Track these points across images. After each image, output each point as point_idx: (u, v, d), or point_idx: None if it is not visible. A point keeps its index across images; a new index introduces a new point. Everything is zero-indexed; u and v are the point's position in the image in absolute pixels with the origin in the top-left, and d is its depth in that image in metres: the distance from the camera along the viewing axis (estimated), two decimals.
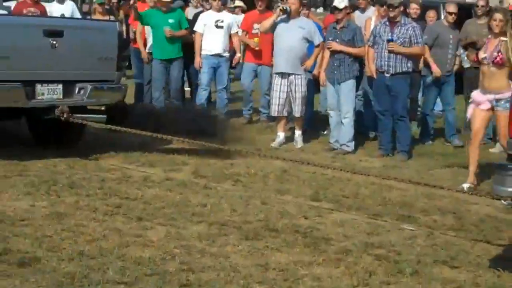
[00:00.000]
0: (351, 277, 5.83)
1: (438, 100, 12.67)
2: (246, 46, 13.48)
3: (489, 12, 13.40)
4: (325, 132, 12.19)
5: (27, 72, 9.22)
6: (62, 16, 14.07)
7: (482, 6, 12.85)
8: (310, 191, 8.56)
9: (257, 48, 12.75)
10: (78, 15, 15.01)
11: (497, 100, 8.84)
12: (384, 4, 11.59)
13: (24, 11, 13.88)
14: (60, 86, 9.51)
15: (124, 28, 15.86)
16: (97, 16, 14.47)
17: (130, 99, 12.87)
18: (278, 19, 11.41)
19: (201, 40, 12.86)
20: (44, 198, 7.62)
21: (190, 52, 13.08)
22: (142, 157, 9.83)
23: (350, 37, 11.18)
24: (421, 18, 12.62)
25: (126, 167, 9.36)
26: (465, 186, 8.69)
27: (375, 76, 10.94)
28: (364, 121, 12.21)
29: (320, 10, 22.87)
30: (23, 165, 8.98)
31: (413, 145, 11.30)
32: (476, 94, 9.25)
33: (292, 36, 11.33)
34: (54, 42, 9.36)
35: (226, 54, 12.96)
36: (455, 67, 12.31)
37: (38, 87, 9.32)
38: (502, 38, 9.04)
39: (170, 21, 12.81)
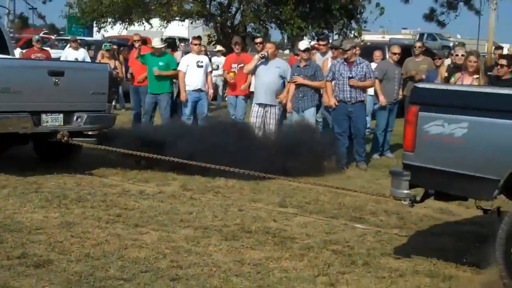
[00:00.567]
0: (312, 268, 5.85)
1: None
2: (228, 83, 13.47)
3: (425, 51, 13.67)
4: None
5: (34, 104, 9.30)
6: (76, 60, 14.18)
7: (419, 47, 13.18)
8: (278, 199, 8.55)
9: (232, 81, 12.79)
10: (88, 59, 15.13)
11: None
12: (338, 48, 12.05)
13: (32, 56, 13.96)
14: (61, 115, 9.58)
15: (123, 69, 15.93)
16: (104, 60, 14.50)
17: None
18: (259, 62, 11.59)
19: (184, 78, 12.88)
20: (55, 210, 7.56)
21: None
22: (138, 174, 9.78)
23: (312, 73, 11.41)
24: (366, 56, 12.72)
25: (125, 183, 9.31)
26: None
27: (333, 105, 11.03)
28: None
29: (287, 51, 23.02)
30: (38, 183, 8.91)
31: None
32: None
33: (270, 74, 11.60)
34: (57, 80, 9.45)
35: (205, 89, 12.98)
36: (400, 97, 12.41)
37: (43, 116, 9.39)
38: (475, 76, 9.22)
39: (160, 63, 12.91)
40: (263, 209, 8.06)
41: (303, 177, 9.20)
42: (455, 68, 10.31)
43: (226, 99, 13.51)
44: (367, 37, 22.30)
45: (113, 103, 13.61)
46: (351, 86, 10.86)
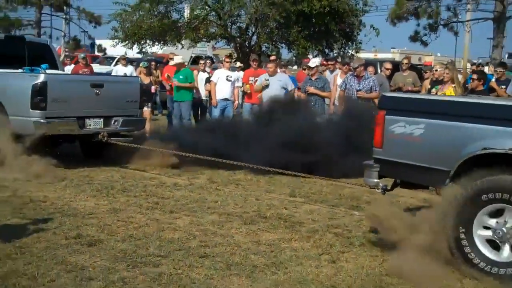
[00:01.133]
0: (317, 248, 5.85)
1: None
2: (245, 93, 13.50)
3: (410, 67, 13.60)
4: None
5: (79, 111, 9.46)
6: (124, 75, 14.30)
7: (406, 63, 13.08)
8: (289, 190, 8.51)
9: (248, 91, 12.84)
10: (134, 74, 15.22)
11: None
12: (348, 64, 12.68)
13: (80, 71, 14.08)
14: (102, 119, 9.73)
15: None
16: (141, 75, 14.48)
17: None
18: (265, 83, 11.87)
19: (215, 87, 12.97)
20: (104, 199, 7.59)
21: None
22: (173, 169, 9.77)
23: (322, 85, 11.70)
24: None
25: (161, 176, 9.31)
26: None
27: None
28: None
29: (295, 67, 22.96)
30: (90, 177, 8.94)
31: None
32: None
33: (274, 87, 11.73)
34: (98, 91, 9.64)
35: (232, 99, 13.02)
36: None
37: (87, 120, 9.55)
38: (453, 85, 9.21)
39: (180, 76, 12.97)
40: (276, 198, 8.05)
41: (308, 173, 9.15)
42: (436, 82, 10.25)
43: (243, 106, 13.48)
44: (361, 55, 22.15)
45: (147, 108, 13.69)
46: (358, 97, 10.87)
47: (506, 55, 19.54)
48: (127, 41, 21.09)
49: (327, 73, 13.35)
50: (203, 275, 5.02)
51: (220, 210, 7.27)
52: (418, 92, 11.84)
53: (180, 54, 15.83)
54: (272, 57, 14.20)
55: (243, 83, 13.17)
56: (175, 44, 21.81)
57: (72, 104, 9.30)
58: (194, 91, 13.41)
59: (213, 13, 20.29)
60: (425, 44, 24.25)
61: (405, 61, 13.28)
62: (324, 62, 14.29)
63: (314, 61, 12.48)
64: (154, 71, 16.48)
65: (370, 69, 13.57)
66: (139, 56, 25.46)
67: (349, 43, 21.39)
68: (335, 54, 20.90)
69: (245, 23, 20.55)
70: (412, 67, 14.77)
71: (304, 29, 20.01)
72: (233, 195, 8.15)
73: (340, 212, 7.44)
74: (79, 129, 9.44)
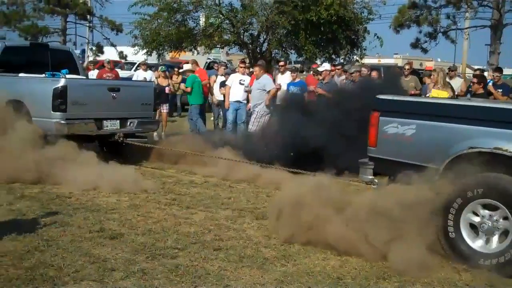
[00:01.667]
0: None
1: None
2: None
3: (412, 71, 13.55)
4: None
5: (97, 113, 9.57)
6: (144, 80, 14.32)
7: (408, 68, 13.01)
8: None
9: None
10: (154, 79, 15.07)
11: None
12: (347, 71, 13.05)
13: (104, 75, 14.14)
14: (118, 121, 9.84)
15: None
16: (160, 79, 14.51)
17: None
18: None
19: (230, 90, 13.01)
20: (125, 195, 7.62)
21: None
22: (189, 168, 9.79)
23: (329, 88, 11.87)
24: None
25: (178, 174, 9.35)
26: None
27: None
28: None
29: (304, 73, 22.91)
30: None
31: None
32: None
33: (255, 87, 12.11)
34: (114, 95, 9.76)
35: (245, 101, 13.03)
36: None
37: (104, 122, 9.66)
38: (437, 86, 9.21)
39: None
40: None
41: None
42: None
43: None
44: (366, 61, 22.09)
45: (164, 110, 13.83)
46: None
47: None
48: (146, 48, 21.15)
49: (335, 77, 13.39)
50: (217, 267, 5.04)
51: (233, 206, 7.30)
52: (420, 95, 11.79)
53: (197, 59, 15.92)
54: (281, 63, 14.22)
55: (249, 87, 13.19)
56: (191, 50, 21.84)
57: (91, 106, 9.41)
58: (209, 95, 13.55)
59: (227, 21, 20.29)
60: (425, 51, 24.13)
61: (407, 66, 13.23)
62: (332, 68, 14.35)
63: (324, 66, 12.63)
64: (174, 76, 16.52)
65: (374, 73, 13.55)
66: (157, 62, 25.47)
67: (354, 49, 21.33)
68: (341, 60, 20.86)
69: (257, 30, 20.55)
70: (413, 71, 14.71)
71: (312, 36, 19.99)
72: (245, 192, 8.17)
73: None
74: (97, 130, 9.52)
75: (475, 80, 9.46)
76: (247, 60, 20.13)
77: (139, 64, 18.49)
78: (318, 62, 19.98)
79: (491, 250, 5.10)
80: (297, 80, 12.86)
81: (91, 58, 27.85)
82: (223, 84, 13.52)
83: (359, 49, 21.33)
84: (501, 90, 10.55)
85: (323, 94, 11.67)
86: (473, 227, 5.23)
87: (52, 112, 9.06)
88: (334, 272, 5.04)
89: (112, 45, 33.40)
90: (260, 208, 7.17)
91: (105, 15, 32.46)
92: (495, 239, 5.12)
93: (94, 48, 33.68)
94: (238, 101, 12.90)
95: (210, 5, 19.91)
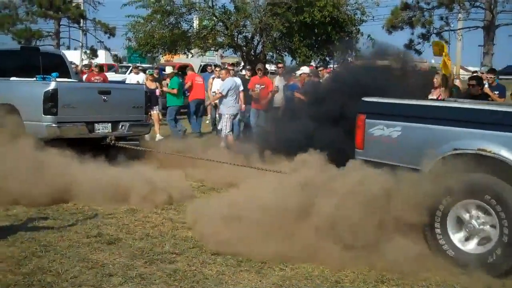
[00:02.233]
0: None
1: None
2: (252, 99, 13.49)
3: None
4: None
5: (88, 116, 9.53)
6: (138, 83, 14.33)
7: None
8: None
9: (256, 97, 12.87)
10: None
11: None
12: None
13: (92, 78, 14.17)
14: (110, 124, 9.81)
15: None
16: (148, 82, 14.54)
17: None
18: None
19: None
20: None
21: None
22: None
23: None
24: None
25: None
26: None
27: None
28: None
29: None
30: None
31: None
32: None
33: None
34: (105, 98, 9.75)
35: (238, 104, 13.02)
36: None
37: (96, 125, 9.63)
38: (441, 89, 9.30)
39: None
40: None
41: None
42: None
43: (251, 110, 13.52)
44: None
45: (155, 111, 14.01)
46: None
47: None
48: (140, 50, 21.16)
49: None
50: (215, 271, 5.04)
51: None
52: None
53: (190, 62, 15.92)
54: (280, 64, 14.42)
55: (249, 89, 13.20)
56: (185, 53, 21.86)
57: (82, 109, 9.42)
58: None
59: (221, 23, 20.32)
60: (419, 52, 24.27)
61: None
62: (326, 70, 14.38)
63: (302, 69, 12.67)
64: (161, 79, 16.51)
65: None
66: (150, 65, 25.47)
67: (349, 51, 21.39)
68: (335, 62, 20.91)
69: (251, 32, 20.59)
70: None
71: (306, 38, 20.04)
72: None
73: None
74: (89, 133, 9.53)
75: (473, 82, 9.42)
76: (242, 63, 20.19)
77: (132, 67, 18.51)
78: (313, 64, 20.01)
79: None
80: (291, 82, 12.87)
81: (85, 62, 27.76)
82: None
83: (353, 50, 21.40)
84: (497, 92, 10.57)
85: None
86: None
87: (43, 115, 9.06)
88: (332, 276, 5.05)
89: (106, 48, 33.34)
90: None
91: (98, 18, 32.46)
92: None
93: (88, 51, 33.65)
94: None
95: (204, 8, 19.94)
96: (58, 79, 9.71)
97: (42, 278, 4.73)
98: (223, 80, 12.49)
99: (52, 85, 9.16)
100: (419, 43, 24.48)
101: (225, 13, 20.01)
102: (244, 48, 20.89)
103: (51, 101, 9.04)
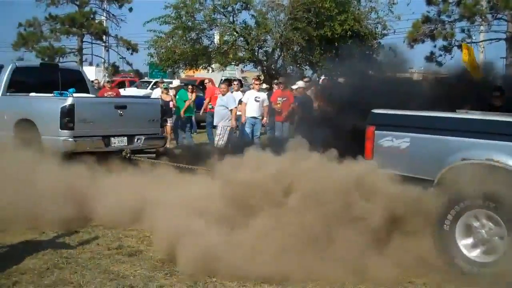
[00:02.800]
0: None
1: None
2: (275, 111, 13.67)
3: None
4: None
5: (105, 130, 9.69)
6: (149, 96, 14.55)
7: None
8: None
9: (279, 110, 13.18)
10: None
11: None
12: None
13: (105, 94, 14.35)
14: (126, 138, 9.95)
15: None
16: (163, 95, 14.78)
17: None
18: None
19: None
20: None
21: None
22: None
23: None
24: None
25: None
26: None
27: None
28: None
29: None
30: None
31: None
32: None
33: (218, 105, 12.50)
34: (121, 112, 9.90)
35: (260, 117, 13.14)
36: None
37: (112, 139, 9.77)
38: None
39: (177, 97, 14.73)
40: None
41: None
42: None
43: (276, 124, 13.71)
44: None
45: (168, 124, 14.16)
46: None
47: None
48: (160, 67, 21.34)
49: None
50: (235, 283, 5.01)
51: None
52: None
53: (211, 77, 16.04)
54: (306, 78, 14.74)
55: (271, 102, 13.41)
56: (205, 67, 21.99)
57: (98, 124, 9.58)
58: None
59: (241, 38, 20.41)
60: (440, 64, 24.06)
61: None
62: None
63: (298, 84, 13.20)
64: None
65: None
66: (171, 80, 25.70)
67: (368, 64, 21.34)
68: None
69: (271, 47, 20.65)
70: None
71: (326, 52, 20.04)
72: None
73: None
74: (105, 147, 9.64)
75: (497, 94, 9.14)
76: (262, 77, 20.26)
77: (156, 82, 18.72)
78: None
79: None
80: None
81: (107, 78, 28.13)
82: (240, 102, 13.69)
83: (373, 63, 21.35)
84: None
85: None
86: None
87: (60, 130, 9.22)
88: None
89: (128, 63, 33.63)
90: None
91: (120, 35, 32.85)
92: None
93: (110, 67, 34.03)
94: (254, 117, 13.09)
95: (225, 23, 20.07)
96: (75, 95, 9.86)
97: None
98: (223, 94, 12.60)
99: (69, 101, 9.34)
100: (440, 55, 24.30)
101: (245, 28, 20.12)
102: (265, 62, 20.96)
103: (68, 116, 9.20)
